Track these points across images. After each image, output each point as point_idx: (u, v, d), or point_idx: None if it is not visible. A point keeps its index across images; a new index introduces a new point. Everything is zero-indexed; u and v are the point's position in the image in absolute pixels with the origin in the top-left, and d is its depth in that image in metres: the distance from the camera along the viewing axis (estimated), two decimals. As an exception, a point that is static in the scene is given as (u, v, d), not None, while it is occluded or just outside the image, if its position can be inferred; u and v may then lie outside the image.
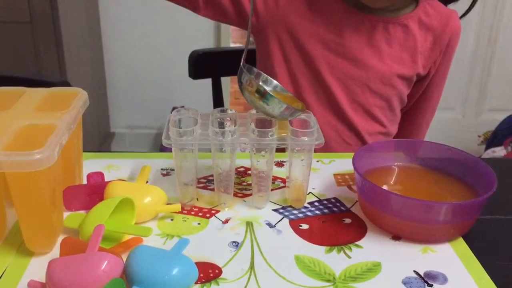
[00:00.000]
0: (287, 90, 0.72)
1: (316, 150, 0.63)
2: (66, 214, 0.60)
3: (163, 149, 2.33)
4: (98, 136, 2.18)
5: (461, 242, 0.60)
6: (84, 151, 0.69)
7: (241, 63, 0.64)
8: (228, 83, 2.43)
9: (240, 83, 0.64)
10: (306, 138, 0.62)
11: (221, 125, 0.66)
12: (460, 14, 0.94)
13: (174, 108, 2.30)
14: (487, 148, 2.20)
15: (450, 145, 0.70)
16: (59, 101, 0.61)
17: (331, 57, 0.88)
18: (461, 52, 0.95)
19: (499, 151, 2.07)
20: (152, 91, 2.33)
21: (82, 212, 0.62)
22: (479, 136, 2.38)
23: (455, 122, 2.42)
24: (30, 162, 0.49)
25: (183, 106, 2.30)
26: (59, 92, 0.65)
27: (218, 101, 1.17)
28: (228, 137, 0.61)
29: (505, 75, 2.38)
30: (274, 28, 0.89)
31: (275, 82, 0.69)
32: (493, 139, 2.18)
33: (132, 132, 2.42)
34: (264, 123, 0.66)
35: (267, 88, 0.64)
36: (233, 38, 3.56)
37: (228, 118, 0.66)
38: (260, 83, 0.64)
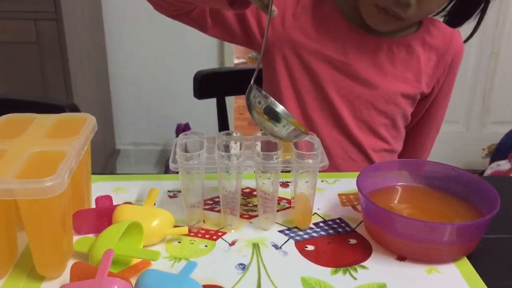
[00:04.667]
0: (291, 114, 0.73)
1: (320, 168, 0.64)
2: (75, 237, 0.61)
3: (168, 165, 2.35)
4: (104, 153, 2.20)
5: (465, 262, 0.61)
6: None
7: (251, 82, 0.65)
8: (232, 98, 2.45)
9: (248, 102, 0.65)
10: (310, 161, 0.63)
11: (227, 147, 0.67)
12: (462, 33, 0.95)
13: (178, 125, 2.33)
14: (491, 161, 2.20)
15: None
16: (69, 127, 0.62)
17: (336, 76, 0.89)
18: (464, 65, 0.96)
19: (504, 165, 2.07)
20: (157, 108, 2.35)
21: (91, 235, 0.63)
22: (483, 149, 2.38)
23: (459, 135, 2.42)
24: (42, 190, 0.50)
25: (187, 123, 2.33)
26: (68, 118, 0.66)
27: (222, 120, 1.18)
28: (234, 160, 0.63)
29: (508, 87, 2.39)
30: (280, 47, 0.90)
31: (280, 106, 0.70)
32: (497, 152, 2.19)
33: (137, 149, 2.44)
34: (269, 146, 0.67)
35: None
36: (236, 53, 3.60)
37: (233, 141, 0.67)
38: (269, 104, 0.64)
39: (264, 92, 0.68)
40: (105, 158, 2.22)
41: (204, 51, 2.24)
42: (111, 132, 2.36)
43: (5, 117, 0.66)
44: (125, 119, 2.37)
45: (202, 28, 0.89)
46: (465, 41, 0.95)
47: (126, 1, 2.13)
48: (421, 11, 0.83)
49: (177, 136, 2.15)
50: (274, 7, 0.65)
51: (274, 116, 0.62)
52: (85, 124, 0.64)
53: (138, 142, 2.43)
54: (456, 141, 2.36)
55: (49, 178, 0.50)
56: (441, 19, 0.96)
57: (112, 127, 2.37)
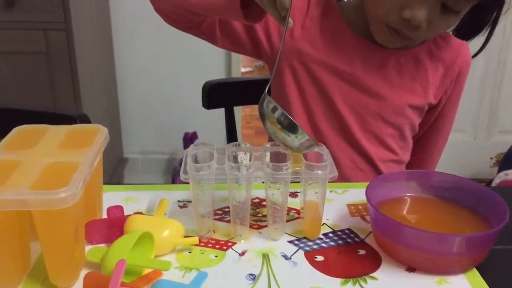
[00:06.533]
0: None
1: (329, 179, 0.64)
2: (87, 247, 0.62)
3: (175, 174, 2.36)
4: (112, 161, 2.21)
5: (475, 273, 0.61)
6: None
7: (265, 91, 0.65)
8: (239, 108, 2.46)
9: (261, 111, 0.65)
10: (320, 172, 0.63)
11: (235, 158, 0.67)
12: (470, 45, 0.95)
13: (186, 134, 2.34)
14: (499, 170, 2.19)
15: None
16: (81, 138, 0.63)
17: (344, 87, 0.90)
18: (471, 74, 0.96)
19: (512, 174, 2.06)
20: (164, 117, 2.36)
21: (103, 245, 0.64)
22: (491, 158, 2.37)
23: (467, 144, 2.41)
24: (56, 200, 0.51)
25: (195, 132, 2.34)
26: (80, 129, 0.67)
27: (231, 130, 1.18)
28: (244, 171, 0.63)
29: (516, 97, 2.38)
30: (289, 58, 0.91)
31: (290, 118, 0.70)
32: (505, 162, 2.18)
33: (145, 158, 2.45)
34: (278, 157, 0.67)
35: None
36: (243, 62, 3.61)
37: (243, 152, 0.67)
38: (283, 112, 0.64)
39: (275, 103, 0.69)
40: (113, 167, 2.23)
41: (211, 60, 2.25)
42: (118, 140, 2.37)
43: (19, 128, 0.67)
44: (133, 127, 2.38)
45: (211, 39, 0.90)
46: (474, 56, 0.96)
47: (134, 11, 2.15)
48: (430, 33, 0.84)
49: (184, 144, 2.16)
50: (290, 19, 0.66)
51: (287, 126, 0.63)
52: (97, 135, 0.64)
53: (145, 150, 2.44)
54: (463, 150, 2.35)
55: (63, 189, 0.51)
56: (450, 32, 0.96)
57: (120, 136, 2.38)
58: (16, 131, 0.66)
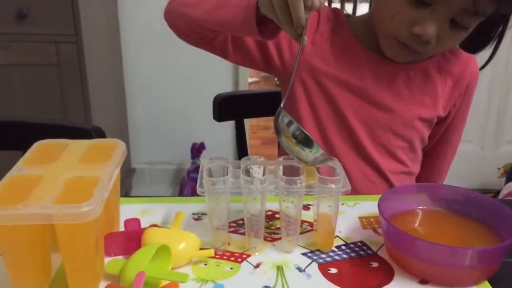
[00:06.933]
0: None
1: (342, 192, 0.66)
2: (105, 259, 0.63)
3: (183, 184, 2.37)
4: (120, 171, 2.23)
5: (487, 286, 0.62)
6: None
7: (280, 106, 0.67)
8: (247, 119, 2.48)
9: (276, 125, 0.67)
10: (333, 186, 0.64)
11: (247, 172, 0.69)
12: (478, 56, 0.97)
13: (193, 145, 2.36)
14: (507, 181, 2.19)
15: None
16: (100, 153, 0.65)
17: (355, 101, 0.91)
18: (478, 85, 0.98)
19: (520, 185, 2.06)
20: (172, 128, 2.38)
21: (121, 257, 0.65)
22: (498, 169, 2.37)
23: (474, 154, 2.42)
24: (78, 215, 0.52)
25: (202, 142, 2.35)
26: (99, 144, 0.69)
27: (241, 142, 1.20)
28: (258, 185, 0.65)
29: (523, 107, 2.39)
30: (299, 73, 0.93)
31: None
32: (512, 172, 2.18)
33: (152, 168, 2.47)
34: (291, 170, 0.69)
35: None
36: (250, 72, 3.63)
37: (257, 166, 0.69)
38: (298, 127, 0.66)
39: (290, 117, 0.70)
40: (121, 177, 2.24)
41: (219, 71, 2.27)
42: (127, 150, 2.39)
43: (40, 143, 0.68)
44: (141, 138, 2.40)
45: (223, 55, 0.92)
46: (481, 68, 0.97)
47: (143, 24, 2.18)
48: (440, 48, 0.86)
49: (192, 155, 2.17)
50: (305, 36, 0.67)
51: (302, 140, 0.64)
52: (116, 149, 0.66)
53: (153, 161, 2.46)
54: (471, 160, 2.36)
55: (85, 204, 0.53)
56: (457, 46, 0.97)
57: (128, 146, 2.39)
58: (37, 146, 0.68)
